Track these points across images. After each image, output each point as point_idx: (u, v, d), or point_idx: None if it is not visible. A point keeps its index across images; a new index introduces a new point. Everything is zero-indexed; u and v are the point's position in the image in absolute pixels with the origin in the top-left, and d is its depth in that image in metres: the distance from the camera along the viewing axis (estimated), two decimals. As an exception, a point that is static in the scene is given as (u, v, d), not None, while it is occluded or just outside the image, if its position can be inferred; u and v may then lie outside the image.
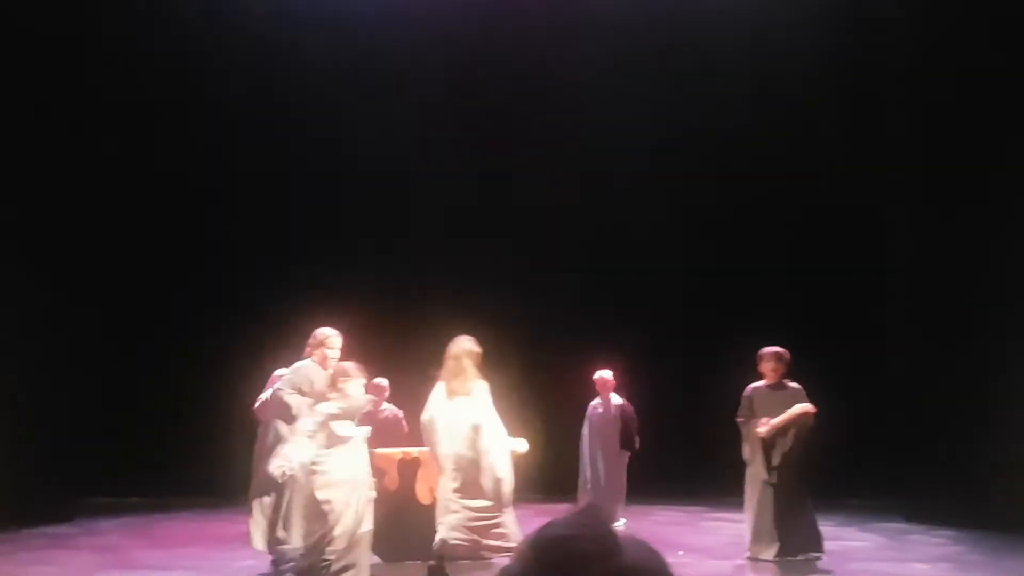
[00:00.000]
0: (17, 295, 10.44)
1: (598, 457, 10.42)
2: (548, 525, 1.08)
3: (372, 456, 8.35)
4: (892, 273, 11.62)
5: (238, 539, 9.52)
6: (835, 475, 11.19)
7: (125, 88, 12.43)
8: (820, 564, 8.11)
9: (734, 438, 8.47)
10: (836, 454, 11.31)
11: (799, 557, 8.11)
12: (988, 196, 10.03)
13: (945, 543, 9.33)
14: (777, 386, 8.24)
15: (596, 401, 10.63)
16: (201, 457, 11.61)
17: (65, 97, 11.46)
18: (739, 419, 8.33)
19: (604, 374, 10.52)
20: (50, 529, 10.04)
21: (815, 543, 8.17)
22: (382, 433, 9.60)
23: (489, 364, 8.55)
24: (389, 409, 9.76)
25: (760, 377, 8.34)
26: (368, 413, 9.81)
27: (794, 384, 8.26)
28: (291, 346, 9.35)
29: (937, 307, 10.56)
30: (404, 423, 9.75)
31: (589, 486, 10.43)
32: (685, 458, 11.50)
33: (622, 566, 1.00)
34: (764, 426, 8.08)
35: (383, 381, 9.76)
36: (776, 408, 8.14)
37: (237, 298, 12.69)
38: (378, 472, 8.18)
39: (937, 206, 10.58)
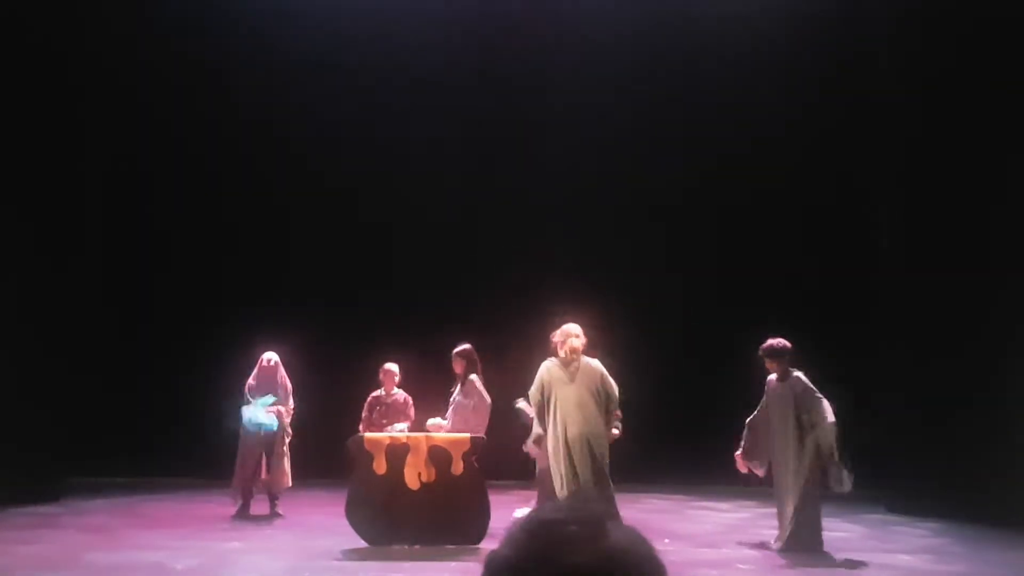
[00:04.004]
0: (5, 277, 10.39)
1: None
2: (539, 509, 1.09)
3: (361, 440, 8.38)
4: (882, 266, 11.64)
5: (223, 519, 9.54)
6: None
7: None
8: (808, 555, 8.12)
9: (719, 427, 8.48)
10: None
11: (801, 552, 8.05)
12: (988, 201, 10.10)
13: (928, 535, 9.39)
14: (782, 377, 8.30)
15: None
16: (187, 438, 11.60)
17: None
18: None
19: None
20: (36, 508, 10.02)
21: (813, 544, 8.14)
22: (390, 417, 9.70)
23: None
24: (399, 393, 9.90)
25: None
26: (377, 397, 9.90)
27: (796, 373, 8.29)
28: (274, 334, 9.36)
29: (926, 299, 10.61)
30: (412, 408, 9.86)
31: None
32: (672, 446, 11.53)
33: (609, 550, 1.00)
34: None
35: (394, 366, 9.90)
36: (778, 400, 8.21)
37: (228, 284, 12.67)
38: (366, 457, 8.20)
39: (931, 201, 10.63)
